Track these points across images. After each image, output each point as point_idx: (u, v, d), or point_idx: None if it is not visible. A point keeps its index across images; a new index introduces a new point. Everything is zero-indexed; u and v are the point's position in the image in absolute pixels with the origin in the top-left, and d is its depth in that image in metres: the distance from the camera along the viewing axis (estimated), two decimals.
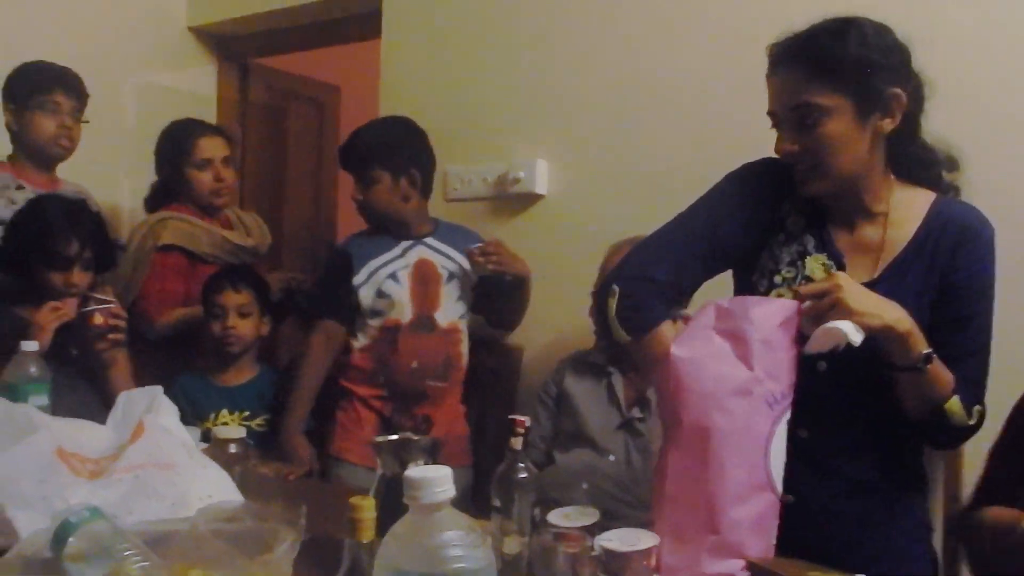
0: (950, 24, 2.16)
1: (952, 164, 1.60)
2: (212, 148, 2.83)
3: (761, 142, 1.58)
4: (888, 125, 1.48)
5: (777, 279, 1.59)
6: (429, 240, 2.56)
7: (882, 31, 1.49)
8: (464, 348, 2.57)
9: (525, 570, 1.25)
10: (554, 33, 2.79)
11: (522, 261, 2.53)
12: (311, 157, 4.23)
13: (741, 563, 1.28)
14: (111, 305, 2.22)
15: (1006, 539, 1.40)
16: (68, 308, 2.16)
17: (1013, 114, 2.11)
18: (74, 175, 2.77)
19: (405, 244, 2.53)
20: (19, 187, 2.58)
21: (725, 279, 1.70)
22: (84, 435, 1.46)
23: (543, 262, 2.61)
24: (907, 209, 1.55)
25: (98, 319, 2.21)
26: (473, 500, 2.10)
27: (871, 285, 1.44)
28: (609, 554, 1.20)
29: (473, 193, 2.91)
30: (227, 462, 1.53)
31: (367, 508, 0.97)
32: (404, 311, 2.48)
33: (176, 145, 2.84)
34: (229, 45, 3.81)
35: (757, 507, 1.30)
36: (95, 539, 1.06)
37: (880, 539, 1.53)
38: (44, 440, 1.35)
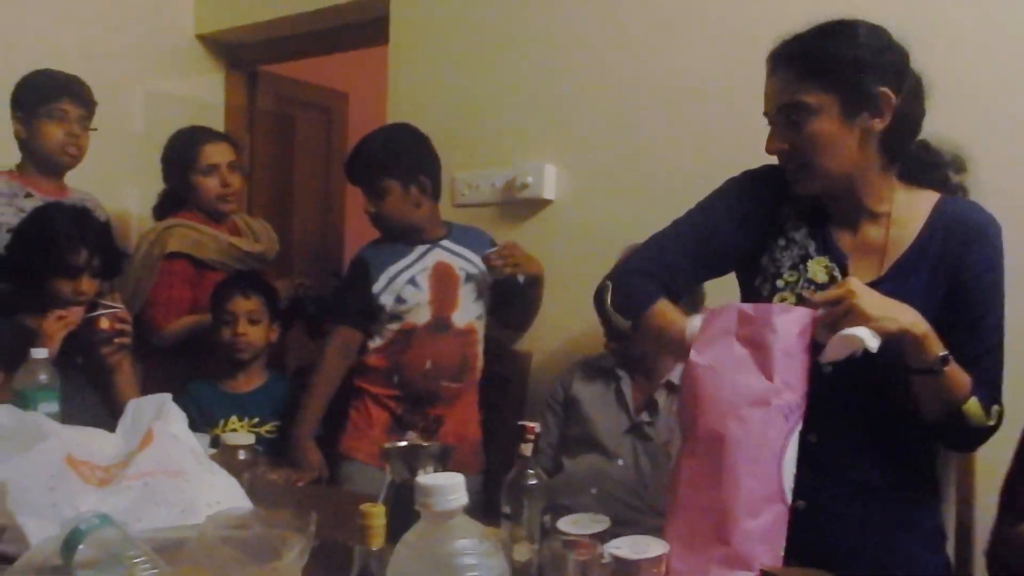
0: (950, 24, 2.16)
1: (959, 165, 1.60)
2: (217, 154, 2.84)
3: None
4: (878, 125, 1.49)
5: (779, 283, 1.59)
6: (444, 243, 2.57)
7: (876, 32, 1.50)
8: (480, 349, 2.58)
9: None
10: (561, 38, 2.79)
11: (536, 261, 2.56)
12: (319, 164, 4.24)
13: (750, 575, 1.27)
14: (117, 310, 2.23)
15: None
16: (74, 316, 2.16)
17: (1014, 114, 2.10)
18: (82, 183, 2.77)
19: (421, 248, 2.54)
20: (28, 195, 2.59)
21: (730, 280, 1.72)
22: (94, 442, 1.46)
23: (551, 267, 2.61)
24: (910, 209, 1.55)
25: (104, 323, 2.22)
26: (483, 506, 2.11)
27: (875, 285, 1.44)
28: (619, 562, 1.19)
29: (481, 199, 2.91)
30: (236, 469, 1.53)
31: (377, 515, 0.97)
32: (423, 314, 2.49)
33: (182, 152, 2.85)
34: (237, 53, 3.82)
35: (768, 518, 1.28)
36: (105, 546, 1.06)
37: (891, 545, 1.52)
38: (54, 448, 1.35)
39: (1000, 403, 1.49)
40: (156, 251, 2.72)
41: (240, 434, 2.27)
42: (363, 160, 2.54)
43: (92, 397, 2.23)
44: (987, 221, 1.53)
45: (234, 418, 2.50)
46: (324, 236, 4.23)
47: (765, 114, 1.56)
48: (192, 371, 2.67)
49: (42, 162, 2.64)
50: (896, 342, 1.36)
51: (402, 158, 2.51)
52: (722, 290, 1.79)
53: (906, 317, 1.36)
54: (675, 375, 2.22)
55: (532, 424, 1.38)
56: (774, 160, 1.59)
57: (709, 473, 1.30)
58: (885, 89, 1.47)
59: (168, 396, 1.59)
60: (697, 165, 2.41)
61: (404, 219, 2.52)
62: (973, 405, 1.43)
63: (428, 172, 2.54)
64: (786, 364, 1.32)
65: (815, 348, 1.36)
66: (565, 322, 2.69)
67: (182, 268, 2.74)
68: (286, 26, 3.54)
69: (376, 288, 2.48)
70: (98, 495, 1.31)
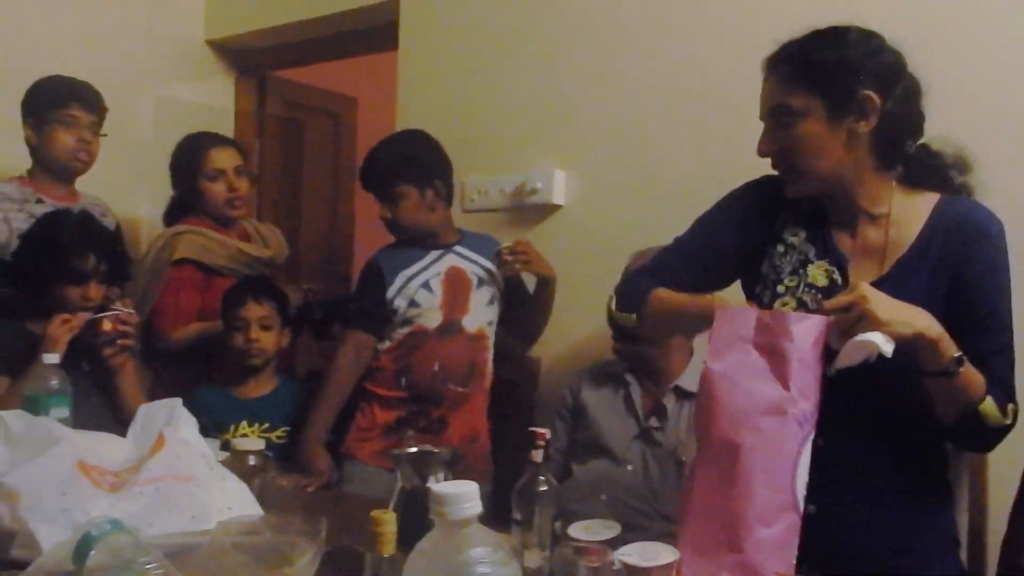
0: (950, 24, 2.16)
1: (963, 166, 1.60)
2: (223, 159, 2.84)
3: None
4: (864, 127, 1.51)
5: (780, 288, 1.60)
6: (458, 248, 2.58)
7: (866, 37, 1.53)
8: (490, 356, 2.57)
9: None
10: (571, 43, 2.79)
11: (548, 263, 2.56)
12: (328, 169, 4.25)
13: None
14: (119, 312, 2.24)
15: None
16: (78, 320, 2.17)
17: (1014, 114, 2.09)
18: (93, 188, 2.78)
19: (435, 253, 2.55)
20: (39, 201, 2.59)
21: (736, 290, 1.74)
22: (105, 447, 1.46)
23: (561, 272, 2.60)
24: (910, 210, 1.56)
25: (106, 325, 2.22)
26: (492, 512, 2.10)
27: (876, 285, 1.43)
28: (630, 569, 1.19)
29: (491, 204, 2.91)
30: (246, 474, 1.53)
31: (388, 522, 0.97)
32: (434, 317, 2.49)
33: (188, 158, 2.85)
34: (246, 58, 3.83)
35: (781, 528, 1.28)
36: (116, 552, 1.06)
37: (902, 549, 1.51)
38: (65, 453, 1.36)
39: (1015, 401, 1.48)
40: (164, 257, 2.72)
41: (250, 439, 2.27)
42: (379, 165, 2.54)
43: (98, 401, 2.24)
44: (988, 219, 1.53)
45: (244, 423, 2.50)
46: (332, 241, 4.24)
47: (760, 117, 1.59)
48: (201, 376, 2.67)
49: (53, 168, 2.64)
50: (909, 346, 1.35)
51: (418, 163, 2.51)
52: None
53: (919, 320, 1.35)
54: (683, 380, 2.22)
55: (542, 430, 1.38)
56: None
57: (723, 481, 1.29)
58: (870, 93, 1.48)
59: (179, 401, 1.59)
60: (707, 170, 2.41)
61: (420, 224, 2.53)
62: (989, 405, 1.42)
63: (442, 176, 2.55)
64: (802, 373, 1.31)
65: (828, 354, 1.36)
66: (575, 327, 2.69)
67: (190, 274, 2.74)
68: (296, 31, 3.55)
69: (390, 292, 2.49)
70: (109, 500, 1.31)
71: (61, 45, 3.10)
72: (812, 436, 1.31)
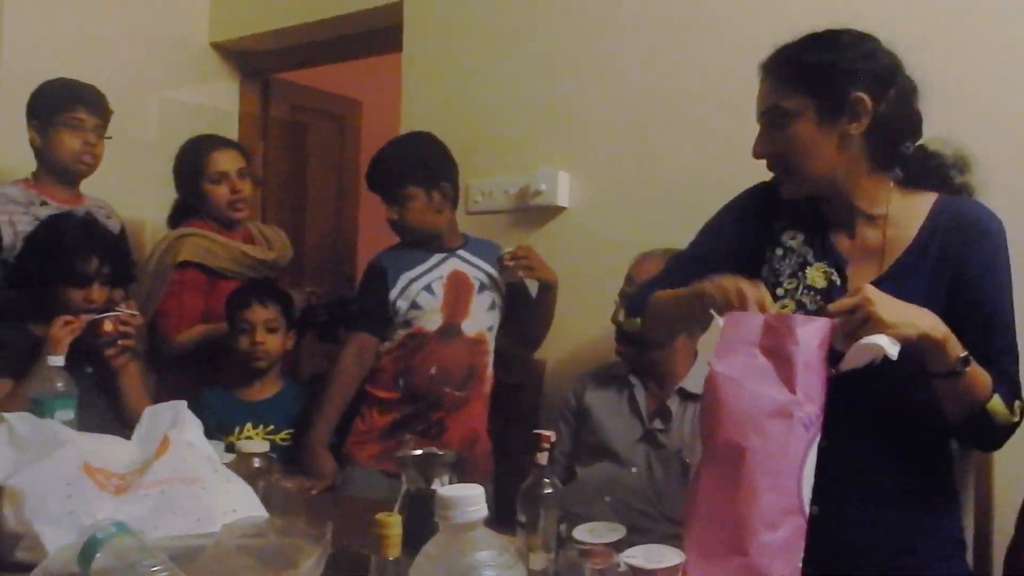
0: (950, 24, 2.16)
1: (963, 165, 1.60)
2: (226, 161, 2.84)
3: None
4: (855, 129, 1.52)
5: (779, 291, 1.61)
6: (461, 252, 2.58)
7: (860, 39, 1.54)
8: (490, 360, 2.57)
9: None
10: (575, 46, 2.79)
11: (550, 268, 2.55)
12: (332, 172, 4.25)
13: None
14: (121, 313, 2.24)
15: None
16: (80, 322, 2.17)
17: (1014, 114, 2.09)
18: (97, 191, 2.78)
19: (439, 256, 2.55)
20: (43, 203, 2.60)
21: None
22: (110, 450, 1.46)
23: (565, 274, 2.60)
24: (908, 210, 1.56)
25: (107, 326, 2.23)
26: (493, 515, 2.09)
27: (875, 283, 1.44)
28: (635, 571, 1.18)
29: (495, 206, 2.91)
30: (251, 476, 1.53)
31: (393, 524, 0.97)
32: (434, 320, 2.49)
33: (191, 161, 2.85)
34: (250, 61, 3.84)
35: (787, 531, 1.27)
36: (121, 555, 1.06)
37: (906, 550, 1.51)
38: (70, 455, 1.36)
39: (1021, 398, 1.48)
40: (168, 260, 2.72)
41: (255, 442, 2.27)
42: (386, 166, 2.54)
43: (102, 404, 2.24)
44: (988, 218, 1.53)
45: (248, 426, 2.50)
46: (336, 243, 4.24)
47: (756, 120, 1.61)
48: (205, 379, 2.67)
49: (57, 170, 2.65)
50: (915, 347, 1.35)
51: (425, 165, 2.52)
52: None
53: (924, 321, 1.35)
54: (688, 382, 2.22)
55: (547, 433, 1.38)
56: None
57: (728, 484, 1.29)
58: (862, 94, 1.50)
59: (183, 403, 1.59)
60: (711, 172, 2.41)
61: (426, 225, 2.53)
62: (997, 403, 1.42)
63: (449, 179, 2.55)
64: (807, 376, 1.31)
65: (833, 357, 1.36)
66: (579, 329, 2.68)
67: (193, 277, 2.74)
68: (300, 34, 3.55)
69: (392, 293, 2.49)
70: (114, 503, 1.31)
71: (66, 48, 3.11)
72: (818, 439, 1.31)
